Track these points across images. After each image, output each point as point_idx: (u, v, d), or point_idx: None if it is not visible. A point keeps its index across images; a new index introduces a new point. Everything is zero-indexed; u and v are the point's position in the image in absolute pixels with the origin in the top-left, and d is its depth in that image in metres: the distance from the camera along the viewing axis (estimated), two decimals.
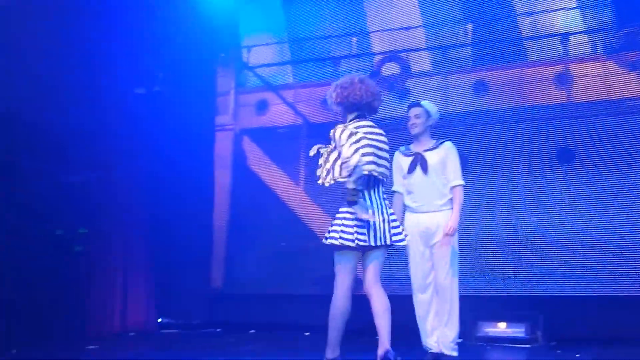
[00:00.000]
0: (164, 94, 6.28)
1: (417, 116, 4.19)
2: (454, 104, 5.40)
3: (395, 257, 4.54)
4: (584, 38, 5.26)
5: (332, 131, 3.47)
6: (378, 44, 5.92)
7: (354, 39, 6.01)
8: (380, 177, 3.52)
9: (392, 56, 5.80)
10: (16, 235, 5.11)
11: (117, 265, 5.98)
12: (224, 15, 6.18)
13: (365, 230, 3.43)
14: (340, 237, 3.42)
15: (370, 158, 3.39)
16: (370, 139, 3.44)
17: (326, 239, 3.49)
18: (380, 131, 3.57)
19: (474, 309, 5.19)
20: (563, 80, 5.32)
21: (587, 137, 5.17)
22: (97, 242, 5.86)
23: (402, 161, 4.25)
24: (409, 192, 4.18)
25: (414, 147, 4.25)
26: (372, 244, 3.43)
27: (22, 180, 5.16)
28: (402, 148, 4.31)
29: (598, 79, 5.18)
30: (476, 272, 5.37)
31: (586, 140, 5.18)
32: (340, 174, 3.41)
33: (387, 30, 5.80)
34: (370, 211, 3.42)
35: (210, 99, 6.55)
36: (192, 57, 6.26)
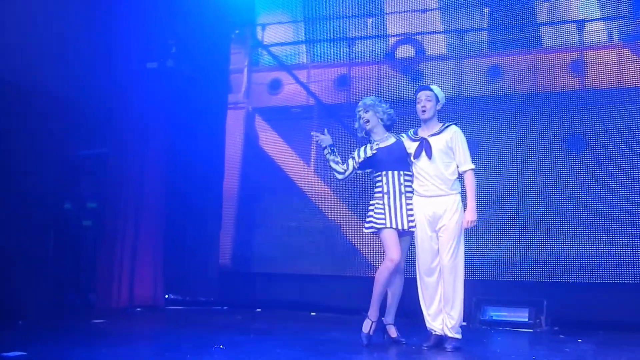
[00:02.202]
0: (177, 69, 6.25)
1: (428, 99, 4.15)
2: (468, 89, 5.39)
3: None
4: (599, 25, 5.24)
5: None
6: (393, 26, 5.89)
7: (370, 20, 5.98)
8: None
9: (407, 38, 5.79)
10: (24, 209, 5.12)
11: (126, 241, 5.99)
12: None
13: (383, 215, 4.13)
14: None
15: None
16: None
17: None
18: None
19: (478, 292, 5.25)
20: (577, 67, 5.31)
21: (600, 125, 5.17)
22: (105, 217, 5.88)
23: (409, 145, 4.23)
24: (416, 177, 4.19)
25: (421, 132, 4.23)
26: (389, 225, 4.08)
27: (32, 154, 5.17)
28: (410, 132, 4.29)
29: (613, 66, 5.17)
30: (482, 257, 5.41)
31: (598, 128, 5.18)
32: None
33: (403, 12, 5.77)
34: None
35: (223, 76, 6.53)
36: (205, 33, 6.24)
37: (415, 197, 4.19)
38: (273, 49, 6.54)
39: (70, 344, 3.97)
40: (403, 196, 4.17)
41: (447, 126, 4.17)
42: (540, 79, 5.37)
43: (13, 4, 5.00)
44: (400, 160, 4.22)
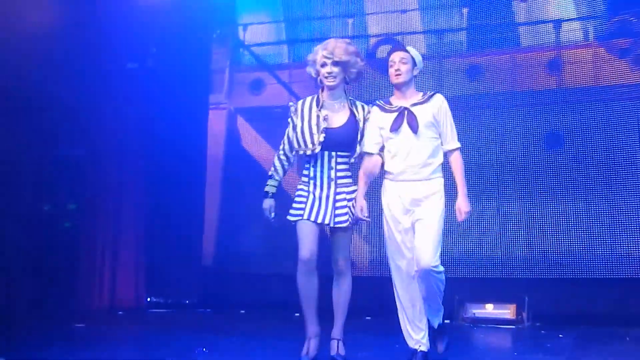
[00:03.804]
0: (158, 69, 6.22)
1: (403, 61, 3.44)
2: (448, 88, 5.43)
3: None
4: (575, 25, 5.35)
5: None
6: (374, 26, 5.93)
7: (350, 20, 6.01)
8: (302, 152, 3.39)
9: (387, 39, 5.80)
10: (3, 211, 5.04)
11: (107, 242, 5.94)
12: None
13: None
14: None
15: None
16: None
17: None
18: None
19: (460, 290, 5.29)
20: (554, 66, 5.40)
21: (577, 122, 5.27)
22: (86, 219, 5.82)
23: (381, 118, 3.49)
24: (392, 155, 3.45)
25: (397, 101, 3.50)
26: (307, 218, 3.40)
27: (9, 155, 5.09)
28: (380, 102, 3.55)
29: (589, 65, 5.27)
30: (463, 254, 5.46)
31: (576, 125, 5.28)
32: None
33: (383, 12, 5.81)
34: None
35: (204, 76, 6.51)
36: (186, 34, 6.20)
37: (386, 182, 3.51)
38: (254, 49, 6.54)
39: (51, 348, 3.90)
40: (333, 183, 3.44)
41: (433, 95, 3.49)
42: (518, 77, 5.46)
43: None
44: (343, 144, 3.46)
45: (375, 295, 4.64)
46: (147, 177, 6.19)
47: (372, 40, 5.96)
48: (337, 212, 3.45)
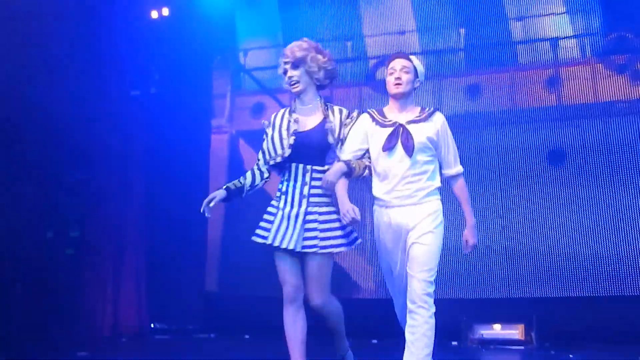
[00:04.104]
0: (160, 96, 6.30)
1: (404, 69, 3.06)
2: (448, 107, 5.46)
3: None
4: (573, 42, 5.39)
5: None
6: (373, 48, 6.00)
7: (349, 43, 6.08)
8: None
9: (385, 60, 5.88)
10: (6, 238, 5.05)
11: (109, 269, 5.93)
12: (221, 18, 6.24)
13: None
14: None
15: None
16: None
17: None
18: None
19: (468, 311, 5.23)
20: (553, 83, 5.43)
21: (578, 138, 5.27)
22: (89, 246, 5.82)
23: (372, 131, 3.11)
24: (381, 178, 3.07)
25: (392, 114, 3.12)
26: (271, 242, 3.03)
27: (12, 182, 5.12)
28: (373, 111, 3.16)
29: (587, 81, 5.30)
30: (469, 275, 5.40)
31: (576, 141, 5.28)
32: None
33: (381, 34, 5.88)
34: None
35: (206, 101, 6.58)
36: (188, 60, 6.29)
37: (376, 209, 3.13)
38: (255, 74, 6.59)
39: None
40: (305, 201, 3.05)
41: (433, 112, 3.09)
42: (518, 95, 5.49)
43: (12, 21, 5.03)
44: (316, 151, 3.11)
45: (381, 316, 4.57)
46: (150, 202, 6.21)
47: (372, 62, 6.03)
48: (306, 234, 3.01)
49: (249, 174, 3.25)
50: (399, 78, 3.08)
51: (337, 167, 3.08)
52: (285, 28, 6.42)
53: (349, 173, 3.09)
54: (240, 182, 3.22)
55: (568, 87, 5.38)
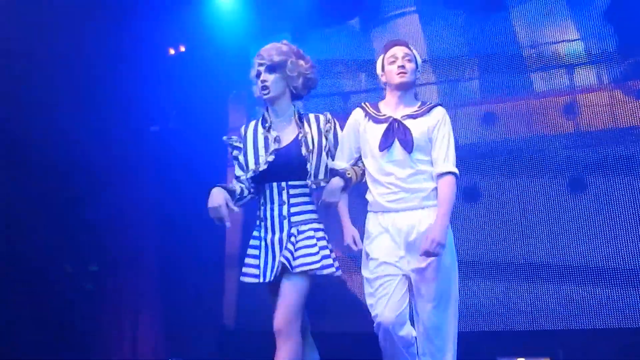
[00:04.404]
0: (178, 130, 6.39)
1: (407, 57, 2.81)
2: (464, 136, 5.43)
3: None
4: (589, 68, 5.33)
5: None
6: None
7: (363, 75, 6.11)
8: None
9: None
10: (25, 273, 5.10)
11: (127, 303, 5.94)
12: (236, 52, 6.32)
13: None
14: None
15: None
16: None
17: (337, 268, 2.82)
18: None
19: (491, 345, 5.08)
20: (571, 110, 5.36)
21: (598, 165, 5.16)
22: (107, 280, 5.85)
23: (366, 127, 2.80)
24: (377, 179, 2.76)
25: (387, 109, 2.83)
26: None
27: (31, 216, 5.19)
28: (367, 105, 2.90)
29: (605, 107, 5.22)
30: (492, 306, 5.27)
31: (597, 168, 5.17)
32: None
33: None
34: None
35: (222, 134, 6.61)
36: (205, 94, 6.38)
37: (370, 215, 2.81)
38: None
39: None
40: (286, 222, 2.76)
41: (433, 106, 2.81)
42: (535, 123, 5.42)
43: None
44: (293, 167, 2.80)
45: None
46: (168, 236, 6.23)
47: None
48: (284, 253, 2.72)
49: (237, 185, 2.97)
50: (402, 66, 2.80)
51: (335, 183, 2.70)
52: None
53: (346, 186, 2.76)
54: (232, 188, 2.91)
55: (586, 114, 5.30)
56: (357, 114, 2.91)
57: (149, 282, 6.09)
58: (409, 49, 2.91)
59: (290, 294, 2.70)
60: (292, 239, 2.76)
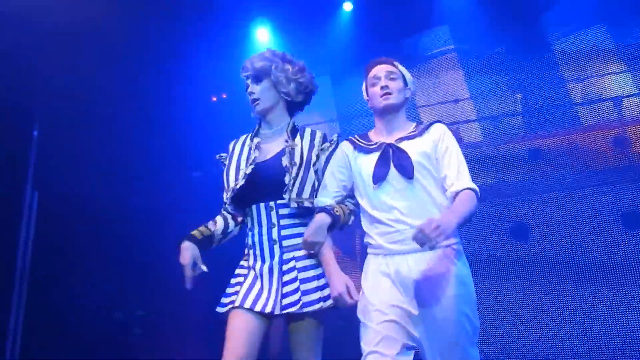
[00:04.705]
0: (221, 175, 6.47)
1: (391, 76, 2.46)
2: (509, 174, 5.30)
3: None
4: (638, 100, 5.17)
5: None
6: (427, 118, 5.99)
7: None
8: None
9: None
10: (74, 318, 5.17)
11: (173, 347, 5.93)
12: None
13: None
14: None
15: None
16: None
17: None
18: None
19: None
20: (620, 143, 5.18)
21: None
22: (154, 325, 5.87)
23: (355, 161, 2.44)
24: (375, 217, 2.35)
25: (379, 137, 2.47)
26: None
27: (78, 262, 5.30)
28: (356, 137, 2.54)
29: None
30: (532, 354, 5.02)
31: None
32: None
33: (435, 104, 5.87)
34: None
35: None
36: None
37: (370, 258, 2.38)
38: None
39: None
40: (277, 247, 2.39)
41: (430, 124, 2.45)
42: (583, 157, 5.25)
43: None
44: (278, 183, 2.42)
45: None
46: (212, 279, 6.24)
47: None
48: (285, 289, 2.30)
49: (219, 219, 2.68)
50: (386, 87, 2.45)
51: (318, 220, 2.28)
52: (338, 103, 6.53)
53: (333, 224, 2.33)
54: (209, 229, 2.64)
55: (637, 146, 5.11)
56: (344, 147, 2.51)
57: (193, 325, 6.08)
58: (394, 65, 2.54)
59: (310, 337, 2.30)
60: (294, 272, 2.31)
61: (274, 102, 2.57)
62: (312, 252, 2.33)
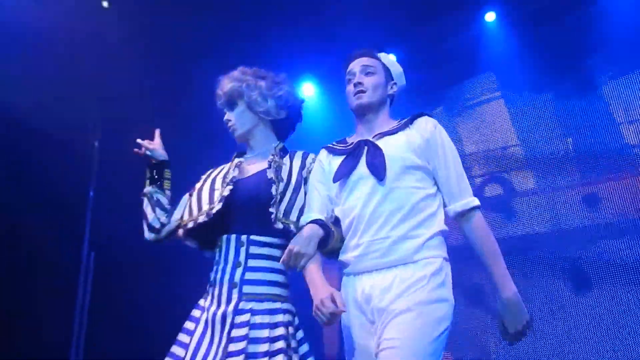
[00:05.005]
0: None
1: (367, 70, 2.18)
2: (565, 221, 5.15)
3: None
4: None
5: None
6: (477, 167, 5.92)
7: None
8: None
9: (492, 177, 5.75)
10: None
11: None
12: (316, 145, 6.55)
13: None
14: None
15: None
16: None
17: None
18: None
19: None
20: None
21: None
22: None
23: (330, 163, 2.18)
24: (345, 227, 2.07)
25: (357, 138, 2.21)
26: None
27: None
28: (333, 143, 2.29)
29: None
30: None
31: None
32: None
33: (483, 151, 5.82)
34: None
35: None
36: None
37: (344, 279, 2.08)
38: None
39: None
40: (236, 292, 2.06)
41: (415, 117, 2.14)
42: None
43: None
44: (254, 208, 2.13)
45: None
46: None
47: (478, 181, 5.92)
48: (231, 348, 1.93)
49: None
50: (359, 84, 2.15)
51: (309, 230, 1.93)
52: None
53: (325, 240, 1.97)
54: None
55: None
56: (320, 155, 2.25)
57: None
58: (373, 57, 2.21)
59: None
60: (245, 329, 1.92)
61: (251, 125, 2.28)
62: (295, 268, 1.93)
